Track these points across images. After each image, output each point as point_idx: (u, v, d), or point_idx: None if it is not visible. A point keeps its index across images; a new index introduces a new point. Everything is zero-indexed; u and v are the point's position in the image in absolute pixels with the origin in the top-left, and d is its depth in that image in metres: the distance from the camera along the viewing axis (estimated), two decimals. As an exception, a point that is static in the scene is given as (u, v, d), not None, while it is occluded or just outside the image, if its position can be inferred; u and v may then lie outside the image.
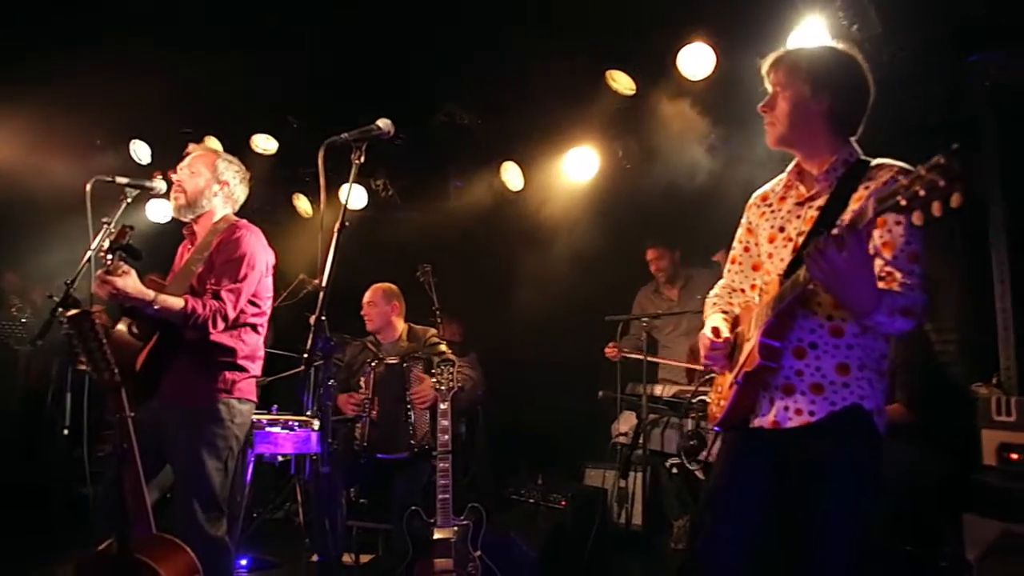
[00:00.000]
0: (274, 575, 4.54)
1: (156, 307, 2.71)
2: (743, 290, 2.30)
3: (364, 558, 4.46)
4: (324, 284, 2.29)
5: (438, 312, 5.21)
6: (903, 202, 1.59)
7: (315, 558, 4.62)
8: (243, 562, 4.40)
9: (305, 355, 2.23)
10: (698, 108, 4.80)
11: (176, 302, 2.75)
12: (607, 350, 4.91)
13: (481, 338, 5.97)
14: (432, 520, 3.38)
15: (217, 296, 2.85)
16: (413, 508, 3.43)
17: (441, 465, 3.41)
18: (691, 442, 3.41)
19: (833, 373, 1.96)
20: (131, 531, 2.22)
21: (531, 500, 4.58)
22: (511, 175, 5.68)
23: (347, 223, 2.33)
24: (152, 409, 2.87)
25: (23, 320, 6.40)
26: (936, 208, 1.52)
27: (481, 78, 5.18)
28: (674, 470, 4.13)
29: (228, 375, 2.93)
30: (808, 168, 2.12)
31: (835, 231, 1.76)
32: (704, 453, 3.43)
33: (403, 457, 4.07)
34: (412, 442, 4.03)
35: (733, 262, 2.35)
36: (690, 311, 4.89)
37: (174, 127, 6.21)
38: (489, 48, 4.88)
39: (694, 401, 3.61)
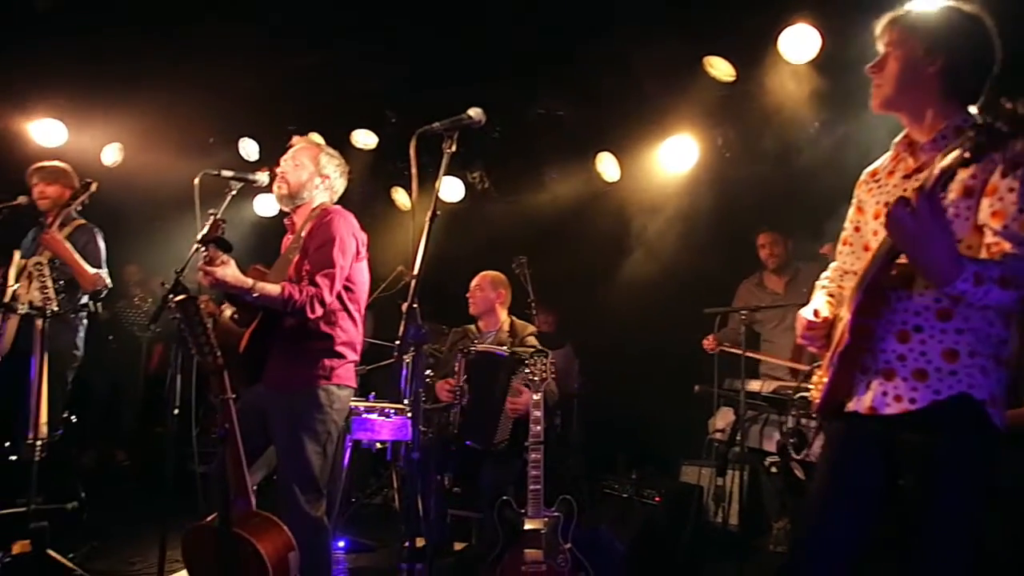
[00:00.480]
0: (370, 558, 4.66)
1: (255, 294, 2.80)
2: (856, 272, 2.17)
3: (458, 545, 4.51)
4: (416, 273, 2.32)
5: (533, 304, 5.21)
6: (967, 155, 1.50)
7: (408, 543, 4.72)
8: (340, 544, 4.54)
9: (397, 342, 2.26)
10: (802, 93, 4.61)
11: (273, 289, 2.84)
12: (705, 342, 4.79)
13: (577, 329, 5.93)
14: (523, 510, 3.38)
15: (313, 282, 2.93)
16: (504, 498, 3.44)
17: (533, 456, 3.40)
18: (791, 440, 3.28)
19: (939, 359, 1.82)
20: (232, 507, 2.32)
21: (624, 495, 4.53)
22: (607, 166, 5.63)
23: (438, 212, 2.35)
24: (258, 393, 3.00)
25: (144, 309, 6.79)
26: (998, 158, 1.42)
27: (577, 68, 5.15)
28: (773, 469, 3.99)
29: (327, 361, 3.01)
30: (917, 137, 1.97)
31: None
32: (805, 451, 3.29)
33: (481, 448, 4.09)
34: (493, 441, 4.04)
35: (844, 243, 2.23)
36: (795, 304, 4.70)
37: (280, 124, 6.46)
38: (585, 38, 4.84)
39: (795, 397, 3.47)
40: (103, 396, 6.97)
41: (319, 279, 2.93)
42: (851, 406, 1.94)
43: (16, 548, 3.44)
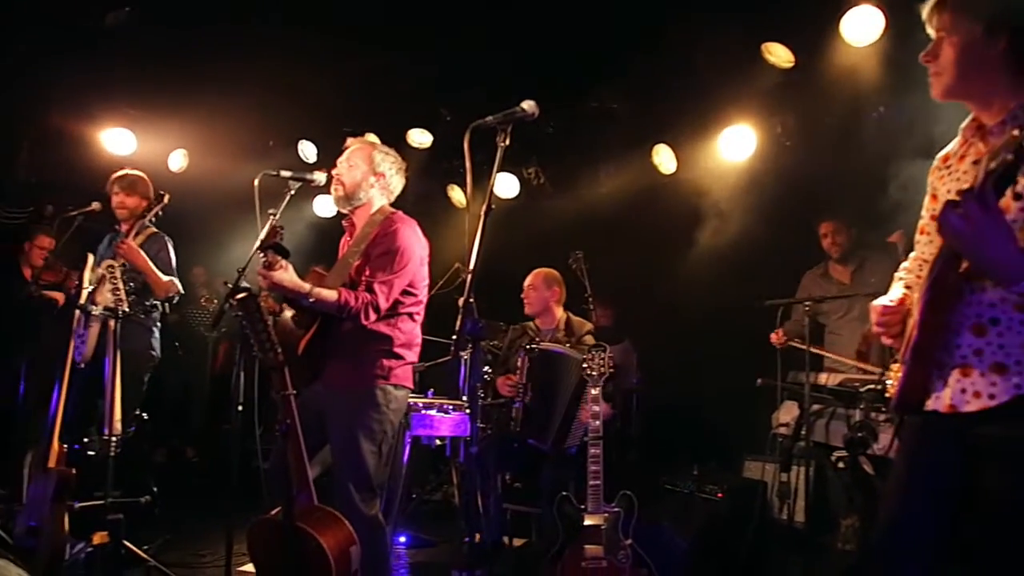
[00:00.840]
0: (430, 553, 4.70)
1: (311, 299, 2.85)
2: None
3: (517, 542, 4.52)
4: (472, 268, 2.32)
5: (591, 299, 5.18)
6: (1010, 157, 1.44)
7: (467, 540, 4.75)
8: (402, 539, 4.59)
9: (454, 337, 2.27)
10: (865, 77, 4.47)
11: (330, 294, 2.88)
12: (772, 336, 4.68)
13: (636, 323, 5.87)
14: (583, 506, 3.35)
15: (370, 288, 2.95)
16: (564, 494, 3.42)
17: (592, 451, 3.37)
18: (859, 434, 3.17)
19: (1020, 351, 1.71)
20: (295, 501, 2.35)
21: (685, 491, 4.46)
22: (663, 158, 5.54)
23: (493, 207, 2.35)
24: (316, 391, 3.04)
25: (211, 310, 6.97)
26: None
27: (631, 60, 5.08)
28: (840, 464, 3.87)
29: (385, 362, 3.03)
30: (986, 120, 1.86)
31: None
32: (875, 446, 3.19)
33: (545, 449, 4.06)
34: (562, 446, 4.00)
35: (922, 232, 2.12)
36: (861, 294, 4.57)
37: (336, 126, 6.55)
38: (639, 28, 4.77)
39: (863, 391, 3.36)
40: (175, 395, 7.19)
41: (377, 287, 2.96)
42: (930, 404, 1.86)
43: (96, 539, 3.55)
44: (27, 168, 6.03)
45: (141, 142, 6.16)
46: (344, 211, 3.27)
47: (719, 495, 4.29)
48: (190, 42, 5.37)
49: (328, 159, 6.52)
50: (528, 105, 2.46)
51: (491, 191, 2.37)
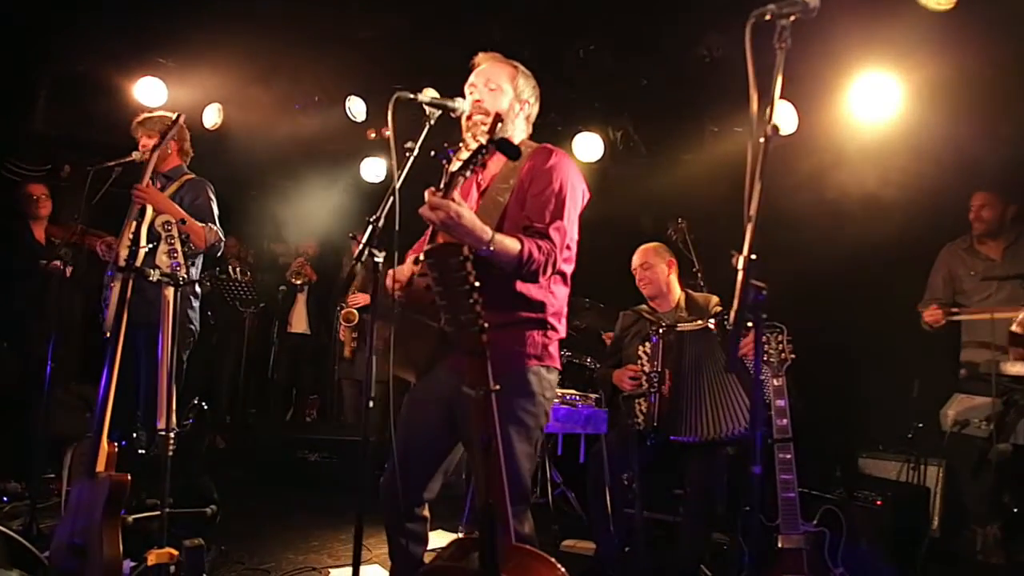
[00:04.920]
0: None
1: (492, 248, 2.14)
2: None
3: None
4: (752, 213, 1.68)
5: (699, 273, 4.56)
6: None
7: (566, 543, 4.22)
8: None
9: (734, 312, 1.62)
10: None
11: (512, 244, 2.19)
12: (927, 316, 4.09)
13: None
14: (774, 523, 2.71)
15: (546, 235, 2.29)
16: (749, 508, 2.77)
17: (782, 456, 2.73)
18: None
19: None
20: (496, 541, 1.68)
21: (833, 496, 3.84)
22: (782, 115, 4.81)
23: (775, 131, 1.75)
24: (438, 379, 2.39)
25: (243, 282, 6.30)
26: None
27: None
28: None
29: (537, 336, 2.38)
30: None
31: None
32: None
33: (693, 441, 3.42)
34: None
35: None
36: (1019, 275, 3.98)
37: (387, 81, 5.89)
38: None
39: None
40: (199, 376, 6.52)
41: (552, 233, 2.29)
42: None
43: (152, 558, 2.88)
44: (44, 120, 5.30)
45: (172, 95, 5.45)
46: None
47: (878, 503, 3.66)
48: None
49: (378, 117, 5.88)
50: (812, -4, 1.84)
51: (771, 111, 1.77)
